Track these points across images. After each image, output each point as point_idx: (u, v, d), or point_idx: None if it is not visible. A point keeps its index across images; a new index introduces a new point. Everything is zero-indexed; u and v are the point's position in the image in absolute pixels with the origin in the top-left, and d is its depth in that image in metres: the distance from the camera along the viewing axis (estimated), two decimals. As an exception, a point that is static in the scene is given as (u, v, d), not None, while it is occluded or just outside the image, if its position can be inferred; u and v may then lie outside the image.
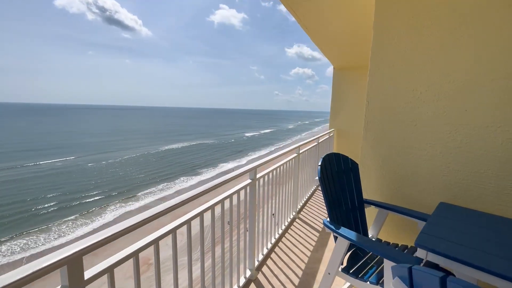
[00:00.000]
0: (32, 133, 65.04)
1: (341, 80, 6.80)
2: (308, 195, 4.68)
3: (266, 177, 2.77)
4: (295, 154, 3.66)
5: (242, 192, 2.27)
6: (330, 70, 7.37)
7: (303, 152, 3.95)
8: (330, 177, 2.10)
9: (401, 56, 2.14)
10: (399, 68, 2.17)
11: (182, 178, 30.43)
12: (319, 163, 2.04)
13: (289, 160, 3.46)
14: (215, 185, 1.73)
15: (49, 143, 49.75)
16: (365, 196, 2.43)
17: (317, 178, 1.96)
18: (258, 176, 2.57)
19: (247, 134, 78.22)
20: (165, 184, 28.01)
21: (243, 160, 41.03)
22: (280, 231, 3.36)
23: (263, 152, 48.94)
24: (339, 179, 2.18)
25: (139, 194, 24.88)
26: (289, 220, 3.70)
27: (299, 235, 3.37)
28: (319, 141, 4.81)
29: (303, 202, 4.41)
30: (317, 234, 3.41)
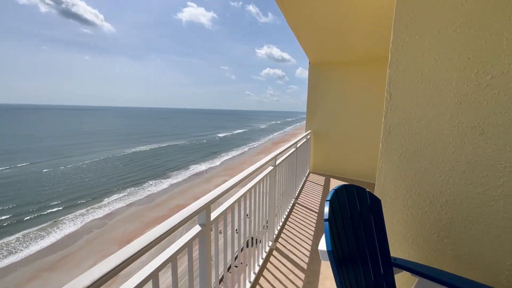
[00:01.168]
0: (-26, 137, 57.45)
1: (319, 76, 5.94)
2: (286, 214, 3.63)
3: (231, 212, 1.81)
4: (271, 168, 2.70)
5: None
6: (299, 71, 7.08)
7: (281, 162, 3.12)
8: (342, 222, 1.26)
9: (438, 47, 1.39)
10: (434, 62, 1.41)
11: (151, 182, 28.97)
12: (328, 198, 1.25)
13: (262, 178, 2.47)
14: (156, 238, 1.03)
15: (-5, 148, 44.35)
16: (393, 253, 1.58)
17: (326, 221, 1.14)
18: (213, 216, 1.56)
19: (219, 135, 77.16)
20: (133, 189, 26.42)
21: (217, 162, 40.30)
22: (253, 277, 2.32)
23: (235, 152, 48.54)
24: (355, 225, 1.31)
25: (102, 202, 23.16)
26: (264, 254, 2.65)
27: (280, 272, 2.42)
28: (297, 146, 4.09)
29: (280, 224, 3.29)
30: (303, 267, 2.50)
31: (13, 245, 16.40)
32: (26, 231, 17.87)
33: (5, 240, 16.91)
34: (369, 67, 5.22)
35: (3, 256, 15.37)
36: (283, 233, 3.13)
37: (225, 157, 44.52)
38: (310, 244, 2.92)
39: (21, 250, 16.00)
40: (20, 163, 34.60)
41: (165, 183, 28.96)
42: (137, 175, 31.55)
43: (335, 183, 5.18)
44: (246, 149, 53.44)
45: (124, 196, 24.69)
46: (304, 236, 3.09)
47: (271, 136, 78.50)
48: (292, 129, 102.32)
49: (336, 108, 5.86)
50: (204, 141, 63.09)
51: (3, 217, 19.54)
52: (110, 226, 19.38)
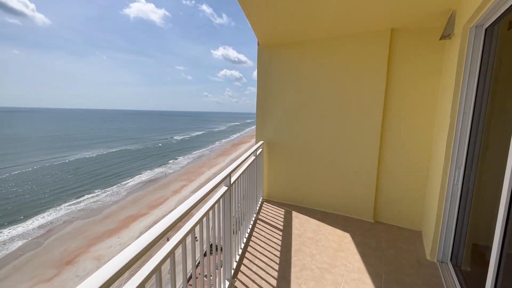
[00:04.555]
0: None
1: (272, 62, 3.98)
2: (245, 239, 2.89)
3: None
4: (225, 188, 2.07)
5: None
6: (256, 73, 5.25)
7: (236, 180, 2.43)
8: None
9: None
10: None
11: (97, 192, 25.92)
12: None
13: (213, 206, 1.84)
14: None
15: None
16: None
17: None
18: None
19: (176, 137, 73.73)
20: (75, 200, 23.25)
21: (174, 166, 38.15)
22: None
23: (194, 156, 46.72)
24: None
25: (30, 220, 19.85)
26: None
27: None
28: (247, 164, 2.89)
29: (238, 257, 2.57)
30: None
31: None
32: None
33: None
34: (351, 46, 3.34)
35: None
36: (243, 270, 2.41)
37: (183, 161, 42.49)
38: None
39: None
40: None
41: (114, 193, 26.21)
42: (80, 185, 27.96)
43: (299, 219, 3.53)
44: (205, 151, 51.90)
45: (60, 211, 21.57)
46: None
47: (231, 137, 77.87)
48: (252, 131, 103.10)
49: (298, 108, 3.83)
50: (160, 144, 59.45)
51: None
52: (46, 247, 16.63)
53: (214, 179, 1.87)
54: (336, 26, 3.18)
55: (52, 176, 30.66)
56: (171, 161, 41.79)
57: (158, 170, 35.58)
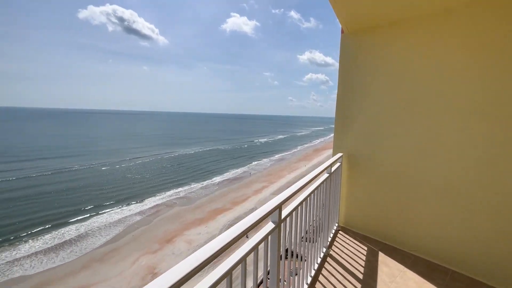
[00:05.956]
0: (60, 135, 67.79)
1: (360, 51, 3.08)
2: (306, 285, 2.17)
3: None
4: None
5: None
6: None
7: (299, 206, 1.88)
8: None
9: None
10: None
11: (192, 185, 30.11)
12: None
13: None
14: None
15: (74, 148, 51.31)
16: None
17: None
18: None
19: (261, 140, 77.59)
20: (174, 190, 27.76)
21: (256, 167, 40.26)
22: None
23: (275, 158, 47.93)
24: None
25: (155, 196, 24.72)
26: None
27: None
28: (316, 185, 2.23)
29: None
30: None
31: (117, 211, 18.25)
32: (122, 207, 19.80)
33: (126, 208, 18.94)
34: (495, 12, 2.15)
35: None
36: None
37: (266, 162, 44.20)
38: None
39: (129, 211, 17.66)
40: (97, 161, 39.30)
41: (205, 186, 29.77)
42: (181, 177, 33.13)
43: (389, 268, 2.47)
44: (287, 155, 52.41)
45: (165, 197, 25.99)
46: None
47: (313, 142, 76.00)
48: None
49: (395, 110, 2.82)
50: (246, 146, 63.91)
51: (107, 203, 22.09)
52: (154, 224, 20.38)
53: (264, 206, 1.40)
54: None
55: (162, 167, 37.54)
56: (255, 162, 44.14)
57: (242, 169, 38.23)
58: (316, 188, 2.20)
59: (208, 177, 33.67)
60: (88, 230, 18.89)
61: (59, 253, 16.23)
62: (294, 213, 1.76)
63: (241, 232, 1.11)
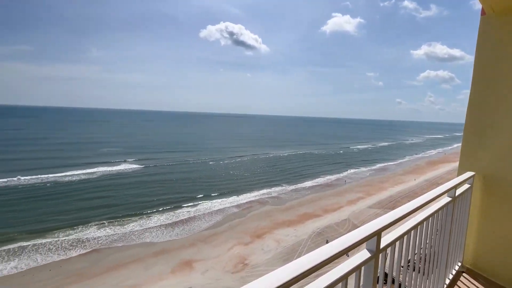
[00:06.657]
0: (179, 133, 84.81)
1: (507, 40, 2.35)
2: None
3: None
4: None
5: None
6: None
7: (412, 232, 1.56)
8: None
9: None
10: None
11: (284, 186, 30.92)
12: None
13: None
14: None
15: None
16: None
17: None
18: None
19: (358, 147, 71.25)
20: (265, 190, 29.28)
21: (352, 175, 37.28)
22: None
23: (376, 168, 42.84)
24: None
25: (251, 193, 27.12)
26: None
27: None
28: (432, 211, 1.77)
29: None
30: None
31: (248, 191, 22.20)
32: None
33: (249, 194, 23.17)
34: None
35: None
36: None
37: (364, 172, 40.29)
38: None
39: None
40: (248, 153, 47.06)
41: (296, 189, 29.96)
42: (273, 176, 34.69)
43: None
44: (391, 165, 45.97)
45: (258, 195, 27.73)
46: None
47: (427, 153, 63.45)
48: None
49: None
50: (341, 152, 60.28)
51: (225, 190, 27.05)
52: (247, 218, 22.19)
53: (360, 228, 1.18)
54: None
55: (257, 167, 40.45)
56: (352, 170, 41.03)
57: (336, 176, 36.27)
58: (432, 214, 1.71)
59: (299, 180, 33.75)
60: (196, 215, 22.51)
61: (175, 229, 20.09)
62: (398, 243, 1.40)
63: (327, 259, 0.92)
